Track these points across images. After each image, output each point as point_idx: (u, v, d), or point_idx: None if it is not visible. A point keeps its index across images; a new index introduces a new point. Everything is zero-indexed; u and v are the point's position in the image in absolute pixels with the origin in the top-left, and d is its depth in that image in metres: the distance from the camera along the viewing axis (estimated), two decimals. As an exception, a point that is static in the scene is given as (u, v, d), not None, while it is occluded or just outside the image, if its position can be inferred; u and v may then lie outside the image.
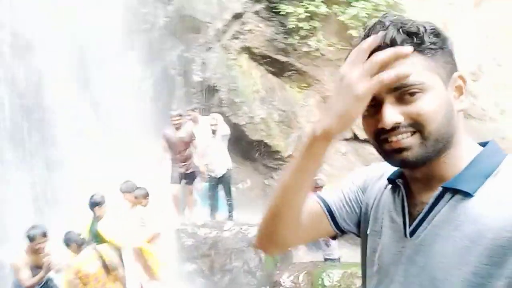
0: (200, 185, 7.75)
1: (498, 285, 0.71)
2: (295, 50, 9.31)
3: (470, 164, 0.82)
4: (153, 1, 8.98)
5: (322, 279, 5.76)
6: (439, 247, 0.79)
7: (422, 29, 0.80)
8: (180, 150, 6.81)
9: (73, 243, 4.60)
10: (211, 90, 9.05)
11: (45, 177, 7.20)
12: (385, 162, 0.86)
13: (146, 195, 5.42)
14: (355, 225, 1.02)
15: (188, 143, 6.85)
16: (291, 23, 8.93)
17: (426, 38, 0.80)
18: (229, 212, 7.20)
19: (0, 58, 7.07)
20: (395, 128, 0.79)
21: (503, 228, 0.72)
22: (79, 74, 7.69)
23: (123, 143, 7.60)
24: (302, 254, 7.18)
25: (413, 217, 0.85)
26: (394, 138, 0.80)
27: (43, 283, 4.72)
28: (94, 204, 5.07)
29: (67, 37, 7.44)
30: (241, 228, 6.96)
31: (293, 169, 0.89)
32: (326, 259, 6.77)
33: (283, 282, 6.17)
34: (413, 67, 0.78)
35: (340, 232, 1.03)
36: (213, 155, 6.96)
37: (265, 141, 9.03)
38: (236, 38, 9.20)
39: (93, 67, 7.92)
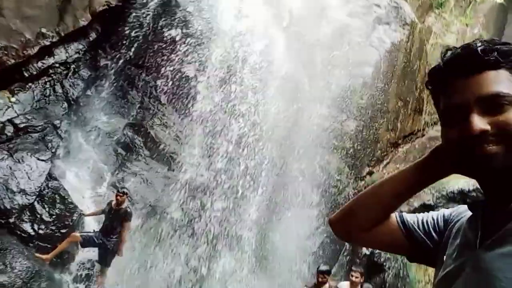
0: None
1: None
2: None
3: None
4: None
5: None
6: (502, 251, 0.79)
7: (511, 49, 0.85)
8: None
9: None
10: (377, 267, 8.58)
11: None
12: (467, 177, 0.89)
13: None
14: (432, 243, 1.04)
15: None
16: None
17: None
18: None
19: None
20: (481, 136, 0.80)
21: None
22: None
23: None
24: None
25: (486, 233, 0.86)
26: (479, 146, 0.81)
27: None
28: None
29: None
30: None
31: (401, 179, 1.04)
32: None
33: None
34: (502, 81, 0.83)
35: (414, 245, 1.06)
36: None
37: None
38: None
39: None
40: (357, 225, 1.08)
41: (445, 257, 0.95)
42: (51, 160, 6.84)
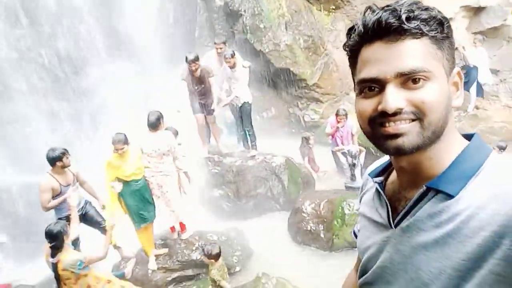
0: (228, 114, 7.81)
1: (477, 278, 0.73)
2: (324, -32, 8.67)
3: (454, 163, 0.81)
4: None
5: (342, 208, 5.95)
6: (421, 240, 0.80)
7: (435, 17, 0.77)
8: (198, 86, 6.58)
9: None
10: (234, 15, 8.68)
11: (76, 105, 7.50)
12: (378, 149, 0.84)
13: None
14: None
15: (205, 79, 6.55)
16: None
17: (437, 26, 0.77)
18: (252, 141, 7.27)
19: None
20: (395, 114, 0.77)
21: (480, 227, 0.73)
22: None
23: (145, 70, 7.65)
24: (324, 182, 7.41)
25: (397, 211, 0.87)
26: (392, 123, 0.78)
27: (82, 206, 4.97)
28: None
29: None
30: (265, 157, 7.13)
31: None
32: (347, 187, 6.97)
33: (305, 208, 6.42)
34: (423, 53, 0.76)
35: None
36: (233, 87, 6.83)
37: (290, 69, 8.83)
38: (260, -44, 8.59)
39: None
40: None
41: (358, 227, 1.01)
42: None
